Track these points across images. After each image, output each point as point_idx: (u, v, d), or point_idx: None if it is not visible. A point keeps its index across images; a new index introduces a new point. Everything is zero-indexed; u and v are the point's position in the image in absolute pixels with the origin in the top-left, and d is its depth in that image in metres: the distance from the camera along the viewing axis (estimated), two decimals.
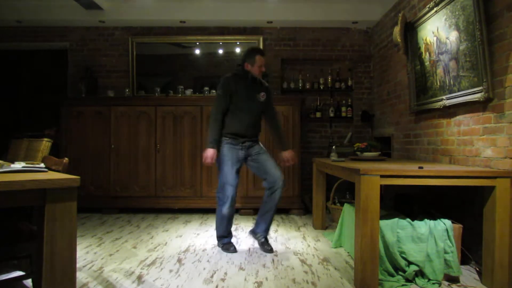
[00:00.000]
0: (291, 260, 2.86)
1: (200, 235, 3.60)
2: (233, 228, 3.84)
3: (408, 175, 2.37)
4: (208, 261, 2.83)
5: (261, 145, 3.22)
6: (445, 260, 2.45)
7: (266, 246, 3.10)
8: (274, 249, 3.11)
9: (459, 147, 3.01)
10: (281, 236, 3.58)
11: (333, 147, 3.99)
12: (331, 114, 5.18)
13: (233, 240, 3.29)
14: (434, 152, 3.42)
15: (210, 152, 2.98)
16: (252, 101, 3.09)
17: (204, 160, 3.01)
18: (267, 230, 3.16)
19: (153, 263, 2.78)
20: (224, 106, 3.04)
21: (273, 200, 3.04)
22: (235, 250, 3.07)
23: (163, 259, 2.86)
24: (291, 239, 3.48)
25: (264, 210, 3.10)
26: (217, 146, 3.03)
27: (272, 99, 3.26)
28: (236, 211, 4.48)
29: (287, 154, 3.20)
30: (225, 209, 3.04)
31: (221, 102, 3.03)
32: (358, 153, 3.42)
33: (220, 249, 3.13)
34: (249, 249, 3.15)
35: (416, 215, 2.75)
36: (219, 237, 3.17)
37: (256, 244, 3.25)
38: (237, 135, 3.06)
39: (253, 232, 3.23)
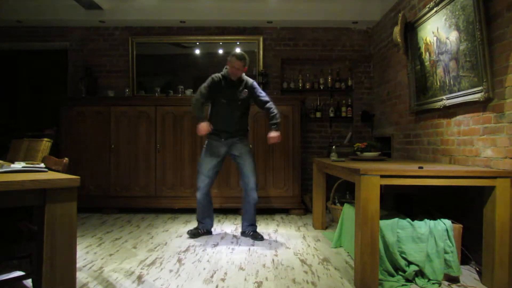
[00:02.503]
0: (291, 260, 2.86)
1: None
2: (233, 228, 3.86)
3: (408, 175, 2.37)
4: (208, 261, 2.84)
5: (246, 144, 3.51)
6: (445, 260, 2.45)
7: (257, 236, 3.44)
8: (273, 248, 3.12)
9: (459, 147, 3.01)
10: (281, 236, 3.58)
11: (333, 147, 3.99)
12: (331, 114, 5.18)
13: (234, 240, 3.39)
14: (434, 152, 3.42)
15: (204, 125, 3.27)
16: (232, 99, 3.38)
17: (198, 131, 3.30)
18: (253, 225, 3.53)
19: (153, 263, 2.78)
20: (206, 95, 3.36)
21: (248, 202, 3.48)
22: (194, 237, 3.48)
23: (163, 259, 2.86)
24: (291, 239, 3.48)
25: (245, 210, 3.53)
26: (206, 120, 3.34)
27: (258, 91, 3.46)
28: (236, 211, 4.54)
29: (271, 134, 3.38)
30: (198, 195, 3.47)
31: (204, 92, 3.35)
32: (358, 153, 3.42)
33: (219, 249, 3.14)
34: (249, 249, 3.15)
35: (416, 215, 2.75)
36: (197, 221, 3.58)
37: (256, 244, 3.27)
38: (220, 131, 3.39)
39: (243, 233, 3.57)
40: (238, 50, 4.04)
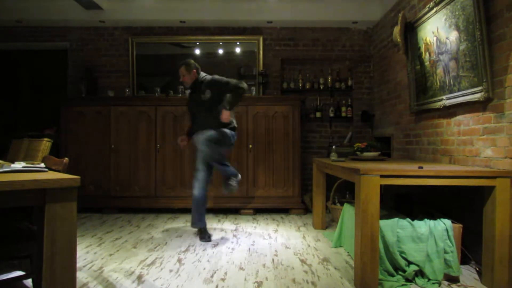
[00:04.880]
0: (291, 260, 2.86)
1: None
2: (233, 228, 3.87)
3: (408, 175, 2.38)
4: (208, 261, 2.84)
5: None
6: (445, 260, 2.45)
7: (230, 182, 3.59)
8: (273, 248, 3.12)
9: (459, 147, 3.01)
10: (281, 236, 3.58)
11: (333, 147, 4.00)
12: (331, 114, 5.18)
13: (234, 240, 3.40)
14: (434, 152, 3.42)
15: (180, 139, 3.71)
16: (197, 102, 3.49)
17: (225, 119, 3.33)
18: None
19: (153, 263, 2.78)
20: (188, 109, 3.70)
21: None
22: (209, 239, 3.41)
23: (163, 259, 2.87)
24: (291, 239, 3.48)
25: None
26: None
27: (220, 84, 3.43)
28: (236, 211, 4.54)
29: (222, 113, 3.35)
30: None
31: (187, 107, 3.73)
32: (358, 153, 3.42)
33: (219, 249, 3.14)
34: (249, 249, 3.15)
35: (416, 215, 2.75)
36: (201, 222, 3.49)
37: (256, 245, 3.27)
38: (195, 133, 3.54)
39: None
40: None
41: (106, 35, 5.27)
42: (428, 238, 2.47)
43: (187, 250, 3.11)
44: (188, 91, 3.67)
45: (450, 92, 3.05)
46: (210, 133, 3.36)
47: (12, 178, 1.63)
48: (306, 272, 2.62)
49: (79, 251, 3.03)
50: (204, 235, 3.40)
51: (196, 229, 3.66)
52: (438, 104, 3.22)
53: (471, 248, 2.72)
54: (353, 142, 4.71)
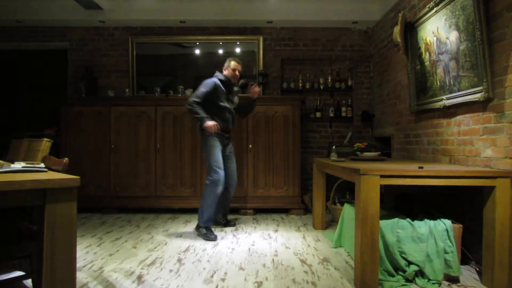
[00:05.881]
0: (291, 260, 2.86)
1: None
2: (233, 228, 3.87)
3: (408, 175, 2.37)
4: (208, 261, 2.84)
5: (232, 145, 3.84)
6: (445, 260, 2.45)
7: (230, 222, 3.86)
8: (273, 248, 3.12)
9: (459, 147, 3.01)
10: (281, 236, 3.58)
11: (333, 147, 4.00)
12: (331, 114, 5.18)
13: (234, 240, 3.40)
14: (434, 152, 3.42)
15: (211, 122, 3.40)
16: (231, 102, 3.71)
17: (209, 130, 3.39)
18: (225, 216, 3.91)
19: (153, 263, 2.78)
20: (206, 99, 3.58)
21: (226, 198, 3.77)
22: (216, 238, 3.42)
23: (163, 259, 2.86)
24: (291, 239, 3.48)
25: (222, 203, 3.75)
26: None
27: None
28: (236, 211, 4.54)
29: None
30: (220, 189, 3.47)
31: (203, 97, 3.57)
32: (358, 153, 3.42)
33: (219, 249, 3.14)
34: (249, 249, 3.15)
35: (416, 215, 2.75)
36: (208, 221, 3.49)
37: (256, 245, 3.27)
38: (222, 130, 3.59)
39: (214, 221, 3.76)
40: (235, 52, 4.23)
41: (106, 35, 5.27)
42: (428, 238, 2.47)
43: (187, 250, 3.11)
44: (219, 86, 3.58)
45: (450, 92, 3.05)
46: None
47: (12, 178, 1.63)
48: (306, 272, 2.62)
49: (79, 251, 3.03)
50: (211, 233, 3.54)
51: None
52: (438, 104, 3.22)
53: (471, 248, 2.72)
54: (353, 142, 4.71)
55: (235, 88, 3.82)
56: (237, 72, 3.64)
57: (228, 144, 3.74)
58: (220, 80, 3.61)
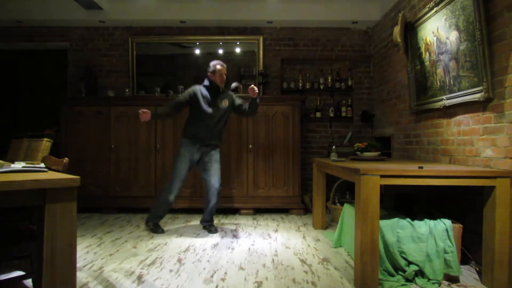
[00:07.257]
0: (291, 260, 2.86)
1: (200, 235, 3.60)
2: (233, 228, 3.87)
3: (408, 175, 2.38)
4: (208, 261, 2.84)
5: (217, 152, 3.72)
6: (445, 260, 2.45)
7: (212, 229, 3.69)
8: (273, 248, 3.12)
9: (459, 147, 3.01)
10: (281, 236, 3.58)
11: (333, 147, 4.00)
12: (331, 114, 5.18)
13: (234, 240, 3.42)
14: (434, 152, 3.42)
15: (143, 110, 3.53)
16: (217, 108, 3.58)
17: (140, 117, 3.51)
18: (211, 221, 3.77)
19: (153, 263, 2.78)
20: (183, 104, 3.67)
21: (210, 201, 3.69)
22: (163, 231, 3.67)
23: (163, 259, 2.87)
24: (291, 239, 3.48)
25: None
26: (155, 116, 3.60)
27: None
28: (236, 211, 4.54)
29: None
30: (171, 198, 3.58)
31: (181, 101, 3.66)
32: (358, 153, 3.42)
33: (219, 249, 3.14)
34: (249, 249, 3.15)
35: (416, 215, 2.75)
36: (157, 217, 3.68)
37: (256, 244, 3.28)
38: (197, 138, 3.59)
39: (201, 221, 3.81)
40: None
41: (106, 35, 5.26)
42: (428, 238, 2.47)
43: (187, 250, 3.11)
44: (199, 93, 3.56)
45: (450, 92, 3.05)
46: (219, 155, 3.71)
47: (12, 178, 1.63)
48: (306, 272, 2.62)
49: (79, 251, 3.03)
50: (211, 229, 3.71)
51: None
52: (438, 104, 3.22)
53: (471, 248, 2.72)
54: (353, 142, 4.71)
55: (230, 92, 3.68)
56: (223, 76, 3.55)
57: (209, 152, 3.61)
58: (205, 86, 3.59)
